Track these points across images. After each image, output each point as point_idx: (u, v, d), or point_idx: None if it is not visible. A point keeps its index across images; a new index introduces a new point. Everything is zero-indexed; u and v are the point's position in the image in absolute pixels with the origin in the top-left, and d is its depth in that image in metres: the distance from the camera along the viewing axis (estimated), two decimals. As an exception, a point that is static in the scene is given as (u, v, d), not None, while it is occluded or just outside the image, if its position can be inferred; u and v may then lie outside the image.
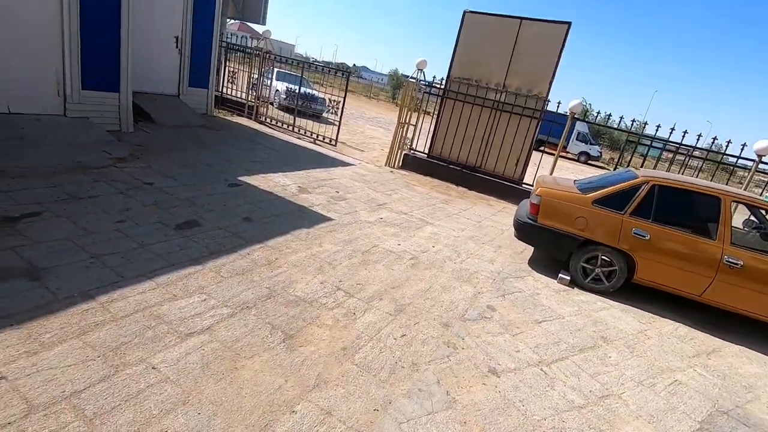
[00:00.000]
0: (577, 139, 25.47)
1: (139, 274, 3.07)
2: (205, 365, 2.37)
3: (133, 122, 6.84)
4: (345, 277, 3.72)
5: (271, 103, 13.81)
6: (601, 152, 27.32)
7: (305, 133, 10.21)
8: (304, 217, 4.94)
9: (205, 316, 2.77)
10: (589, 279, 4.65)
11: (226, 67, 11.57)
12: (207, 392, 2.20)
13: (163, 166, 5.57)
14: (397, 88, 45.11)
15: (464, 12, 8.28)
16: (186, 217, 4.22)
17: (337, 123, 9.97)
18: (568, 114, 7.51)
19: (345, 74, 9.90)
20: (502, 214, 7.21)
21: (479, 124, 8.40)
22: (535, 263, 5.16)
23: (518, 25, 7.81)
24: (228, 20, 12.97)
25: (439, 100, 8.84)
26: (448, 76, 8.65)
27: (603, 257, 4.56)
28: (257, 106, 10.81)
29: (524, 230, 4.86)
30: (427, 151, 9.11)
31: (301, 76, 10.69)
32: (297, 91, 10.72)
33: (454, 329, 3.31)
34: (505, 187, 8.25)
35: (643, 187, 4.43)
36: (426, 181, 8.49)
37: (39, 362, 2.15)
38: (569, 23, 7.35)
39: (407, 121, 8.86)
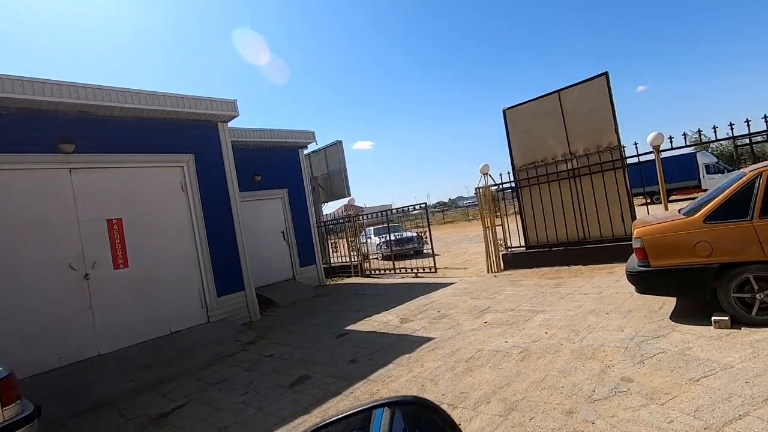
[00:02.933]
0: (708, 173, 22.15)
1: (255, 435, 3.29)
2: None
3: (258, 311, 7.98)
4: (447, 390, 3.48)
5: (376, 258, 15.03)
6: (749, 175, 23.04)
7: (406, 271, 10.68)
8: (406, 344, 4.92)
9: (309, 460, 2.79)
10: (755, 311, 3.63)
11: (329, 241, 13.29)
12: None
13: (282, 338, 6.24)
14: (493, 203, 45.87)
15: (503, 110, 8.85)
16: (299, 374, 4.54)
17: (438, 253, 10.32)
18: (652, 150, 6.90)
19: (422, 207, 10.64)
20: (629, 277, 6.26)
21: (563, 198, 8.05)
22: (680, 316, 4.23)
23: (557, 98, 8.03)
24: (323, 204, 15.40)
25: (514, 194, 8.87)
26: (513, 168, 8.81)
27: (758, 278, 3.62)
28: (360, 264, 11.86)
29: (640, 281, 4.18)
30: (523, 244, 8.77)
31: (388, 223, 11.71)
32: (388, 237, 11.66)
33: (580, 414, 2.76)
34: (622, 248, 7.31)
35: (757, 181, 3.70)
36: (532, 273, 7.96)
37: None
38: (605, 74, 7.37)
39: (492, 224, 8.88)
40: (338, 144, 14.50)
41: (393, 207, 12.78)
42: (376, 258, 15.17)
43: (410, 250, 14.77)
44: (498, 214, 9.01)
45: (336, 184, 14.79)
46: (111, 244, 6.31)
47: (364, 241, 12.25)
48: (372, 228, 17.13)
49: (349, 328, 6.17)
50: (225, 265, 7.55)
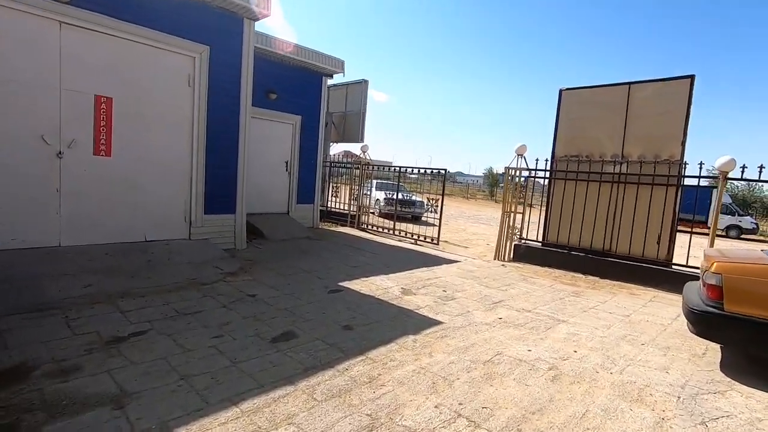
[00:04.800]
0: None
1: (224, 399, 2.64)
2: None
3: (245, 240, 7.26)
4: (466, 398, 2.87)
5: (373, 212, 14.33)
6: (757, 224, 22.72)
7: (406, 235, 10.02)
8: (410, 322, 4.30)
9: (291, 458, 2.16)
10: (841, 394, 3.06)
11: (330, 184, 12.46)
12: None
13: (267, 277, 5.56)
14: (493, 186, 45.02)
15: (560, 91, 7.89)
16: (283, 328, 3.89)
17: (437, 223, 9.63)
18: (718, 175, 6.15)
19: (441, 173, 9.82)
20: (656, 305, 5.69)
21: (600, 202, 7.33)
22: (732, 369, 3.66)
23: (627, 91, 7.10)
24: (331, 144, 14.42)
25: (546, 184, 8.12)
26: (552, 156, 7.99)
27: None
28: (358, 215, 11.14)
29: (706, 323, 3.55)
30: (540, 239, 8.12)
31: (398, 182, 10.91)
32: (395, 196, 10.89)
33: (645, 483, 2.17)
34: (648, 271, 6.73)
35: None
36: (544, 272, 7.37)
37: None
38: (692, 77, 6.43)
39: (513, 209, 8.17)
40: (363, 83, 13.33)
41: (393, 164, 11.70)
42: (373, 213, 14.48)
43: (410, 213, 14.09)
44: (523, 200, 8.27)
45: (351, 126, 13.76)
46: (95, 125, 5.39)
47: (367, 192, 11.46)
48: (376, 181, 16.32)
49: (343, 284, 5.52)
50: (220, 180, 6.73)
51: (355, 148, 13.71)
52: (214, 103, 6.48)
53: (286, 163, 9.69)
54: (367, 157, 11.27)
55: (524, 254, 8.10)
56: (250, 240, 7.73)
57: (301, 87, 9.73)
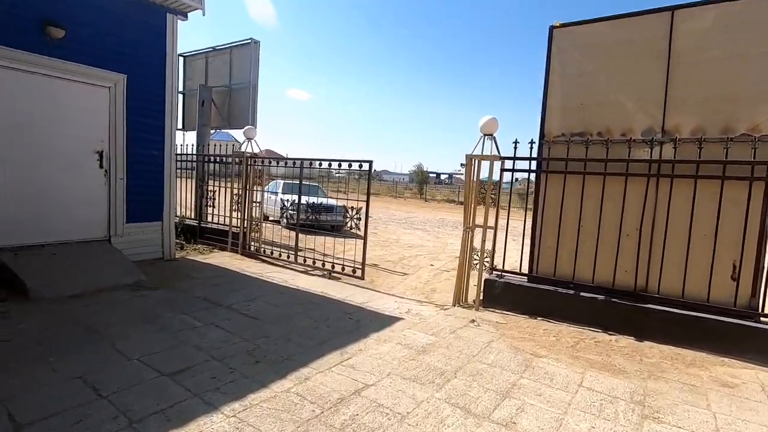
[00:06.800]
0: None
1: None
2: None
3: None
4: None
5: (277, 221, 10.62)
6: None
7: (314, 262, 6.51)
8: None
9: None
10: None
11: (206, 187, 8.51)
12: None
13: None
14: (422, 183, 42.64)
15: (550, 29, 4.86)
16: None
17: (361, 234, 6.23)
18: None
19: (365, 165, 6.36)
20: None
21: (626, 208, 4.43)
22: None
23: (668, 21, 4.23)
24: (213, 131, 10.38)
25: (535, 178, 5.09)
26: (541, 137, 4.96)
27: None
28: (244, 232, 7.37)
29: None
30: (526, 269, 5.07)
31: (300, 180, 7.27)
32: (297, 202, 7.21)
33: None
34: (721, 327, 3.92)
35: None
36: (544, 332, 4.29)
37: None
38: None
39: (484, 222, 5.03)
40: (253, 45, 9.54)
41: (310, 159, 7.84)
42: (277, 222, 10.74)
43: (336, 223, 10.56)
44: (494, 205, 5.15)
45: (238, 105, 9.88)
46: None
47: (260, 198, 7.66)
48: (282, 182, 12.59)
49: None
50: None
51: (266, 142, 9.64)
52: None
53: (100, 154, 5.64)
54: (253, 147, 7.53)
55: (502, 296, 4.97)
56: (-28, 311, 3.71)
57: (123, 25, 5.75)
